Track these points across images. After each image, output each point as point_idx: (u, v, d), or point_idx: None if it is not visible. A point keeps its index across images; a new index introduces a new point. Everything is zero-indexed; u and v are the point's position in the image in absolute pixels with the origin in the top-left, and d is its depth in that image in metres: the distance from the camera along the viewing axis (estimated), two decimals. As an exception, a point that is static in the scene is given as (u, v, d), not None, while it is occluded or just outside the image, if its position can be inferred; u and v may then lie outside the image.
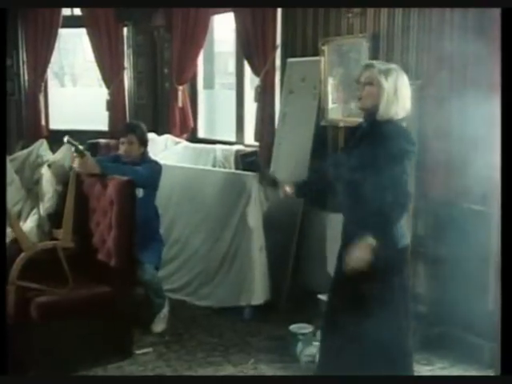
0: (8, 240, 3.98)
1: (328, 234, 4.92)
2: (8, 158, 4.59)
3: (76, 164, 4.29)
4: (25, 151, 4.94)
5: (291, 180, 3.57)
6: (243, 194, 4.79)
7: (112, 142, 6.39)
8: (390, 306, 3.10)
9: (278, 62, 5.58)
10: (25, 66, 7.28)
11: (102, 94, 7.13)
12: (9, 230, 3.95)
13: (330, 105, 5.07)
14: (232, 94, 6.34)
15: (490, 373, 3.79)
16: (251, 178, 4.82)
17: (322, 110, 5.11)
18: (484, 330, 3.90)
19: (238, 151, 5.76)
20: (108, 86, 7.05)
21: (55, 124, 7.44)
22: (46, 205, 4.44)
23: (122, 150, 4.58)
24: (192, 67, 6.53)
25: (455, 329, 4.11)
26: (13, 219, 4.02)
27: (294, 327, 4.20)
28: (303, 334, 4.11)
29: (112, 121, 7.05)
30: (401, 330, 3.16)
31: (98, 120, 7.18)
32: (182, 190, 5.27)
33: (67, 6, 7.07)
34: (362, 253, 2.98)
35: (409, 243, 3.24)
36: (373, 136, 3.09)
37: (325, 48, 5.03)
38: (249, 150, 5.79)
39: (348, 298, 3.16)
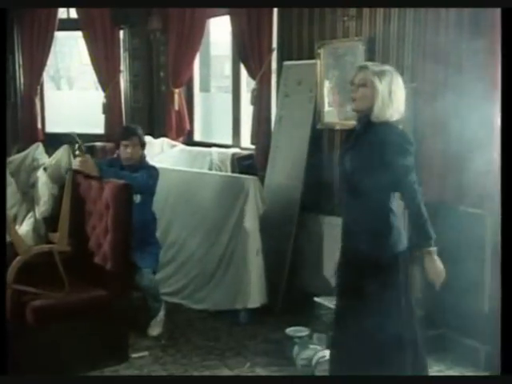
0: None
1: (324, 237, 4.92)
2: (4, 161, 4.58)
3: (77, 162, 4.34)
4: (21, 154, 4.93)
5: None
6: (239, 197, 4.79)
7: (108, 145, 6.40)
8: (395, 305, 3.13)
9: (274, 65, 5.58)
10: (21, 70, 7.28)
11: (98, 97, 7.13)
12: (4, 234, 3.95)
13: (326, 108, 5.07)
14: (228, 97, 6.34)
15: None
16: (248, 181, 4.82)
17: (318, 113, 5.11)
18: (480, 332, 3.91)
19: (234, 154, 5.76)
20: (104, 89, 7.05)
21: (51, 127, 7.44)
22: (42, 208, 4.43)
23: (125, 153, 4.57)
24: (188, 70, 6.53)
25: (451, 332, 4.11)
26: (8, 223, 4.00)
27: (290, 330, 4.20)
28: (299, 337, 4.11)
29: (108, 124, 7.05)
30: (408, 326, 3.17)
31: (94, 123, 7.18)
32: (179, 193, 5.26)
33: (67, 6, 7.05)
34: (437, 264, 3.07)
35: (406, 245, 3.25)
36: (369, 138, 3.09)
37: (321, 51, 5.03)
38: (245, 153, 5.79)
39: (354, 299, 3.16)
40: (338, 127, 4.95)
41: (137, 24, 6.96)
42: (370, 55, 4.60)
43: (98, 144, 6.51)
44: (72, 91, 9.96)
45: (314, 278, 4.94)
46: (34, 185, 4.64)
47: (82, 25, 6.99)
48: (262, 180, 5.14)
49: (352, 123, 3.37)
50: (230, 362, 4.12)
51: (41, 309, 3.78)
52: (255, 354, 4.22)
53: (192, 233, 5.14)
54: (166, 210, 5.24)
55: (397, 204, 3.14)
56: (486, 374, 3.82)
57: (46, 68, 7.37)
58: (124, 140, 4.59)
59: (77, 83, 9.98)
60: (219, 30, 6.73)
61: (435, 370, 3.94)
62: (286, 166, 5.28)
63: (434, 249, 3.04)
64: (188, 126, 6.66)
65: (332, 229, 4.55)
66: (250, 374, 3.95)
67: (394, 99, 3.06)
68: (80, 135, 4.47)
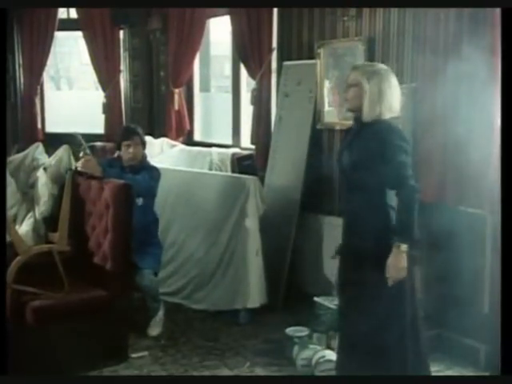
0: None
1: (324, 237, 4.92)
2: (4, 161, 4.59)
3: (80, 163, 4.34)
4: (20, 154, 4.93)
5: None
6: (239, 197, 4.78)
7: (108, 145, 6.41)
8: (398, 302, 3.14)
9: (273, 65, 5.59)
10: (21, 70, 7.28)
11: (98, 97, 7.13)
12: (4, 234, 3.95)
13: (326, 108, 5.08)
14: (228, 97, 6.34)
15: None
16: (248, 181, 4.82)
17: (317, 113, 5.11)
18: (480, 333, 3.91)
19: (234, 154, 5.76)
20: (104, 89, 7.06)
21: (51, 127, 7.45)
22: (42, 208, 4.43)
23: (127, 153, 4.55)
24: (188, 70, 6.53)
25: (451, 332, 4.11)
26: (8, 223, 4.00)
27: (290, 330, 4.19)
28: (299, 337, 4.10)
29: (108, 124, 7.06)
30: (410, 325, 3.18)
31: (94, 123, 7.18)
32: (178, 194, 5.26)
33: (67, 6, 7.05)
34: (402, 261, 3.02)
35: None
36: (362, 136, 3.14)
37: (320, 51, 5.03)
38: (245, 153, 5.79)
39: (355, 297, 3.18)
40: (337, 127, 4.95)
41: (137, 24, 6.96)
42: (370, 55, 4.61)
43: (98, 144, 6.51)
44: (72, 91, 9.97)
45: (314, 278, 4.94)
46: (33, 185, 4.63)
47: (82, 25, 6.99)
48: (261, 180, 5.14)
49: (351, 123, 3.40)
50: (229, 361, 4.12)
51: (40, 309, 3.78)
52: (255, 353, 4.22)
53: (192, 233, 5.14)
54: (166, 210, 5.24)
55: (396, 200, 3.15)
56: (486, 374, 3.82)
57: (46, 68, 7.37)
58: (125, 140, 4.57)
59: (77, 83, 9.99)
60: (219, 29, 6.73)
61: (434, 369, 3.93)
62: (286, 165, 5.28)
63: (404, 246, 3.02)
64: (188, 126, 6.66)
65: (332, 229, 4.55)
66: (249, 374, 3.95)
67: (383, 98, 3.09)
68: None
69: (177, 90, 6.55)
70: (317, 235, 4.99)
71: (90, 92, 8.64)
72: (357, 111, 3.17)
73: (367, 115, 3.11)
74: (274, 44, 5.49)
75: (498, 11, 3.54)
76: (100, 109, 7.06)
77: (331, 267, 4.34)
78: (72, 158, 4.58)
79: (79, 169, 4.37)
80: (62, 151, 4.58)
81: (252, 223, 4.75)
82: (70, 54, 9.53)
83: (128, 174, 4.42)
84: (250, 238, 4.74)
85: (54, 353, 3.77)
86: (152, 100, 7.20)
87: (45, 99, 7.49)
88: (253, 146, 5.69)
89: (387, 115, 3.11)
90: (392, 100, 3.11)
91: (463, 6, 3.79)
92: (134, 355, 4.15)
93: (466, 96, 3.82)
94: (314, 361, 3.89)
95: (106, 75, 7.02)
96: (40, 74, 7.20)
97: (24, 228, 4.46)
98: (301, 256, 5.10)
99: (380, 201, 3.11)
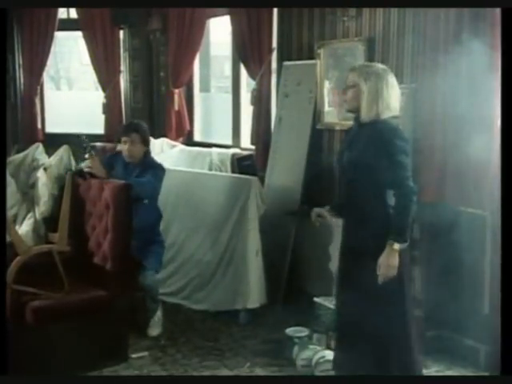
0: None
1: (324, 237, 4.91)
2: (4, 161, 4.58)
3: (85, 164, 4.34)
4: (20, 155, 4.92)
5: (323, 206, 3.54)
6: (239, 197, 4.78)
7: (108, 145, 6.40)
8: (396, 302, 3.17)
9: (273, 66, 5.59)
10: (21, 70, 7.28)
11: (98, 97, 7.13)
12: (4, 234, 3.95)
13: (326, 108, 5.08)
14: (228, 98, 6.34)
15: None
16: (247, 181, 4.82)
17: (317, 114, 5.11)
18: (479, 333, 3.91)
19: (234, 155, 5.76)
20: (104, 90, 7.06)
21: (51, 127, 7.44)
22: (42, 208, 4.43)
23: (124, 149, 4.50)
24: (188, 70, 6.53)
25: (451, 332, 4.11)
26: (8, 223, 4.00)
27: (290, 330, 4.19)
28: (299, 338, 4.10)
29: (108, 124, 7.05)
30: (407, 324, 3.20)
31: (94, 123, 7.18)
32: (178, 194, 5.26)
33: (67, 6, 7.05)
34: (393, 260, 3.04)
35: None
36: (362, 136, 3.15)
37: (320, 51, 5.04)
38: (245, 153, 5.79)
39: (355, 295, 3.18)
40: (337, 127, 4.95)
41: (137, 24, 6.96)
42: (370, 55, 4.61)
43: (98, 144, 6.50)
44: (72, 91, 9.96)
45: (314, 278, 4.94)
46: (33, 185, 4.63)
47: (82, 25, 6.99)
48: (261, 180, 5.14)
49: (351, 123, 3.41)
50: (229, 362, 4.12)
51: (40, 309, 3.78)
52: (255, 354, 4.22)
53: (192, 233, 5.14)
54: (166, 211, 5.22)
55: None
56: (486, 374, 3.82)
57: (46, 68, 7.36)
58: (123, 136, 4.51)
59: (77, 83, 9.98)
60: (219, 30, 6.73)
61: (434, 370, 3.95)
62: (286, 166, 5.28)
63: (397, 245, 3.04)
64: (188, 127, 6.66)
65: (332, 229, 4.55)
66: (249, 374, 3.95)
67: (381, 98, 3.11)
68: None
69: (177, 91, 6.55)
70: (317, 235, 4.98)
71: (89, 92, 8.63)
72: (356, 112, 3.20)
73: (365, 115, 3.14)
74: (274, 44, 5.50)
75: (497, 11, 3.54)
76: (100, 109, 7.06)
77: (331, 267, 4.35)
78: (72, 158, 4.57)
79: (84, 169, 4.35)
80: (62, 151, 4.58)
81: (252, 223, 4.75)
82: (69, 54, 9.52)
83: (132, 176, 4.40)
84: (249, 238, 4.74)
85: (54, 353, 3.77)
86: (152, 100, 7.20)
87: (45, 99, 7.48)
88: (253, 147, 5.69)
89: (386, 115, 3.13)
90: (390, 99, 3.13)
91: (463, 6, 3.79)
92: (133, 355, 4.15)
93: (466, 96, 3.82)
94: (313, 361, 3.89)
95: (106, 75, 7.02)
96: (40, 74, 7.20)
97: (24, 228, 4.45)
98: (301, 256, 5.10)
99: (380, 201, 3.12)
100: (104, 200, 4.09)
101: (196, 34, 6.24)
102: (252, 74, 5.61)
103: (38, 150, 4.87)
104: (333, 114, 5.03)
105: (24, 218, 4.59)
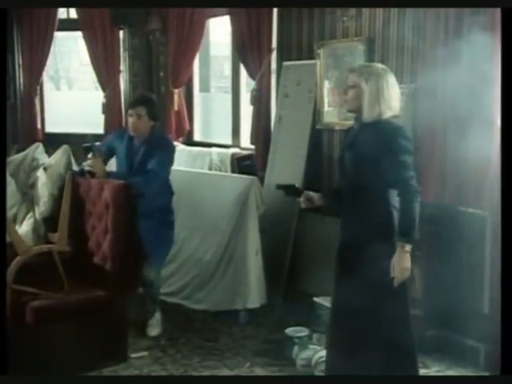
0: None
1: (324, 237, 4.92)
2: (3, 161, 4.58)
3: (88, 163, 4.30)
4: (20, 154, 4.92)
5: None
6: (239, 197, 4.78)
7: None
8: (395, 302, 3.16)
9: (273, 66, 5.59)
10: (20, 70, 7.27)
11: (98, 97, 7.13)
12: (4, 234, 3.94)
13: (326, 108, 5.08)
14: (228, 98, 6.34)
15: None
16: (247, 181, 4.82)
17: (317, 114, 5.11)
18: (479, 332, 3.91)
19: (233, 154, 5.76)
20: (104, 90, 7.06)
21: (51, 127, 7.44)
22: (42, 208, 4.43)
23: (129, 123, 4.36)
24: (188, 70, 6.53)
25: (451, 332, 4.11)
26: (8, 223, 4.00)
27: (289, 330, 4.19)
28: (299, 338, 4.10)
29: (108, 124, 7.05)
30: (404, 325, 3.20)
31: (94, 123, 7.18)
32: (178, 194, 5.23)
33: (67, 6, 7.05)
34: (406, 262, 3.05)
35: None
36: (364, 136, 3.14)
37: (320, 51, 5.04)
38: (245, 153, 5.80)
39: (352, 298, 3.17)
40: (337, 127, 4.95)
41: (136, 24, 6.96)
42: (370, 55, 4.61)
43: (98, 144, 6.49)
44: (72, 91, 9.98)
45: (314, 278, 4.94)
46: (33, 185, 4.63)
47: (82, 25, 6.99)
48: (261, 180, 5.15)
49: (351, 123, 3.41)
50: (229, 362, 4.11)
51: (40, 309, 3.78)
52: (255, 354, 4.22)
53: (191, 233, 5.14)
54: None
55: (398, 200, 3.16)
56: (486, 374, 3.82)
57: (46, 68, 7.36)
58: (130, 109, 4.38)
59: (76, 83, 10.00)
60: (219, 30, 6.74)
61: (434, 369, 3.95)
62: (286, 166, 5.28)
63: (408, 246, 3.05)
64: (188, 126, 6.66)
65: (332, 229, 4.55)
66: (249, 374, 3.94)
67: (382, 98, 3.11)
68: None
69: (176, 91, 6.55)
70: (317, 235, 4.99)
71: (89, 92, 8.65)
72: (357, 112, 3.20)
73: (367, 115, 3.14)
74: (274, 44, 5.50)
75: (497, 11, 3.55)
76: (100, 109, 7.06)
77: (331, 268, 4.35)
78: (72, 158, 4.57)
79: (86, 168, 4.33)
80: (62, 151, 4.57)
81: (252, 223, 4.75)
82: (69, 54, 9.54)
83: (138, 157, 4.33)
84: (249, 237, 4.74)
85: (54, 353, 3.78)
86: (152, 100, 7.19)
87: (44, 99, 7.49)
88: (252, 146, 5.69)
89: (387, 114, 3.13)
90: (391, 99, 3.14)
91: (463, 6, 3.79)
92: (133, 355, 4.15)
93: (465, 96, 3.82)
94: (313, 361, 3.89)
95: (106, 75, 7.02)
96: (40, 74, 7.20)
97: (24, 228, 4.45)
98: (300, 256, 5.10)
99: (382, 200, 3.12)
100: (104, 200, 4.09)
101: (196, 34, 6.24)
102: (252, 74, 5.61)
103: (37, 150, 4.86)
104: (332, 114, 5.03)
105: (24, 218, 4.58)
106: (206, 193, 5.07)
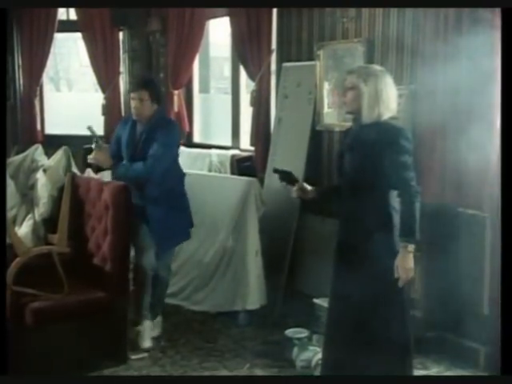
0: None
1: (324, 238, 4.92)
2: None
3: (92, 155, 4.23)
4: (20, 156, 4.93)
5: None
6: (239, 198, 4.78)
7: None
8: (395, 304, 3.17)
9: (273, 67, 5.59)
10: (20, 71, 7.27)
11: (98, 98, 7.13)
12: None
13: (326, 109, 5.08)
14: (227, 99, 6.34)
15: (486, 377, 3.79)
16: (247, 182, 4.82)
17: (317, 115, 5.11)
18: (479, 334, 3.91)
19: (233, 156, 5.76)
20: (104, 91, 7.06)
21: (51, 129, 7.44)
22: (41, 210, 4.43)
23: (132, 106, 4.24)
24: (187, 72, 6.53)
25: (450, 333, 4.11)
26: (8, 224, 4.00)
27: (289, 332, 4.19)
28: (299, 339, 4.10)
29: (108, 125, 7.05)
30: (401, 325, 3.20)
31: (94, 125, 7.14)
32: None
33: (67, 6, 7.05)
34: (410, 262, 3.06)
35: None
36: (364, 138, 3.16)
37: (320, 53, 5.04)
38: (244, 154, 5.80)
39: (350, 298, 3.19)
40: (337, 129, 4.95)
41: (136, 25, 6.95)
42: (369, 57, 4.61)
43: (90, 160, 6.49)
44: (71, 93, 9.97)
45: (314, 280, 4.94)
46: (33, 186, 4.63)
47: (82, 26, 6.99)
48: (261, 181, 5.14)
49: (350, 124, 3.42)
50: (229, 363, 4.11)
51: (40, 310, 3.77)
52: (254, 355, 4.22)
53: (191, 234, 5.13)
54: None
55: (398, 201, 3.16)
56: (485, 374, 3.83)
57: (46, 69, 7.36)
58: (132, 92, 4.26)
59: (76, 85, 9.99)
60: (219, 31, 6.73)
61: (434, 371, 3.95)
62: (286, 167, 5.25)
63: (411, 246, 3.06)
64: (187, 128, 6.65)
65: (332, 230, 4.54)
66: (248, 375, 3.94)
67: (381, 99, 3.13)
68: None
69: (176, 92, 6.55)
70: (316, 237, 4.99)
71: (89, 93, 8.64)
72: (356, 113, 3.21)
73: (367, 117, 3.15)
74: (274, 45, 5.50)
75: (497, 11, 3.55)
76: (99, 110, 7.06)
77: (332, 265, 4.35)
78: (72, 159, 4.57)
79: (89, 161, 4.29)
80: (62, 153, 4.58)
81: (251, 224, 4.75)
82: (69, 55, 9.53)
83: (141, 139, 4.22)
84: (249, 239, 4.74)
85: (54, 354, 3.77)
86: (151, 101, 7.18)
87: (44, 101, 7.48)
88: (252, 148, 5.69)
89: (386, 115, 3.15)
90: (389, 100, 3.16)
91: (463, 6, 3.79)
92: (133, 356, 4.14)
93: (465, 96, 3.82)
94: (313, 362, 3.89)
95: (106, 77, 7.02)
96: (39, 76, 7.20)
97: (23, 229, 4.45)
98: (300, 257, 5.10)
99: (383, 202, 3.12)
100: (103, 201, 4.09)
101: (195, 35, 6.24)
102: (251, 75, 5.61)
103: (37, 152, 4.87)
104: (332, 115, 5.03)
105: (23, 220, 4.59)
106: (205, 194, 5.07)
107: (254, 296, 4.71)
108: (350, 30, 4.82)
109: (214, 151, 5.95)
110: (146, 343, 4.28)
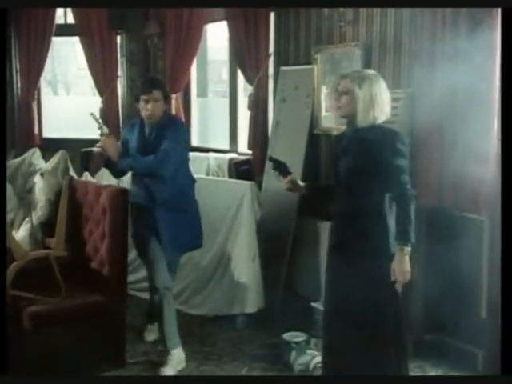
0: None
1: (322, 242, 4.91)
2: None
3: (100, 144, 4.15)
4: (17, 160, 4.93)
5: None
6: (236, 202, 4.78)
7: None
8: (389, 308, 3.18)
9: (271, 70, 5.60)
10: (18, 75, 7.26)
11: (96, 102, 7.12)
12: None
13: (323, 113, 5.08)
14: (225, 102, 6.34)
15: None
16: (245, 186, 4.82)
17: (314, 119, 5.11)
18: (477, 337, 3.91)
19: (231, 159, 5.76)
20: (101, 94, 7.05)
21: (48, 132, 7.43)
22: (39, 213, 4.43)
23: (145, 109, 4.08)
24: (185, 75, 6.53)
25: (448, 337, 4.11)
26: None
27: (287, 335, 4.19)
28: (297, 343, 4.10)
29: (105, 129, 7.04)
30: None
31: (92, 128, 7.15)
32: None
33: (67, 6, 7.04)
34: (406, 264, 3.08)
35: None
36: (359, 141, 3.17)
37: (318, 56, 5.04)
38: (242, 158, 5.79)
39: (344, 300, 3.20)
40: (335, 132, 4.91)
41: (134, 29, 6.95)
42: (367, 60, 4.61)
43: (96, 149, 6.49)
44: (69, 96, 9.98)
45: (311, 283, 4.93)
46: (30, 190, 4.63)
47: (79, 30, 6.98)
48: (259, 185, 5.14)
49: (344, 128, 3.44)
50: (227, 366, 4.11)
51: (37, 314, 3.77)
52: (252, 359, 4.22)
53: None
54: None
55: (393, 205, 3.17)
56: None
57: (43, 73, 7.36)
58: (144, 94, 4.07)
59: (74, 88, 10.00)
60: (216, 35, 6.74)
61: (432, 374, 3.94)
62: (283, 170, 5.27)
63: (407, 249, 3.08)
64: (185, 131, 6.64)
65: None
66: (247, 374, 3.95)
67: (376, 103, 3.15)
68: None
69: (174, 95, 6.54)
70: (314, 240, 4.98)
71: (87, 97, 8.65)
72: (350, 117, 3.22)
73: (362, 121, 3.17)
74: (271, 49, 5.50)
75: (497, 11, 3.55)
76: (97, 114, 7.04)
77: (325, 268, 4.34)
78: (69, 163, 4.57)
79: (95, 150, 4.24)
80: (59, 156, 4.58)
81: (249, 228, 4.75)
82: (67, 59, 9.54)
83: (150, 140, 4.10)
84: (247, 242, 4.74)
85: (51, 358, 3.76)
86: (149, 105, 7.18)
87: (42, 104, 7.47)
88: (250, 151, 5.69)
89: (381, 119, 3.17)
90: (384, 104, 3.19)
91: (463, 6, 3.79)
92: (131, 360, 4.14)
93: (463, 99, 3.83)
94: (311, 366, 3.89)
95: (104, 80, 7.02)
96: (37, 79, 7.19)
97: (21, 233, 4.46)
98: (298, 261, 5.10)
99: (378, 206, 3.13)
100: (101, 205, 4.09)
101: (193, 38, 6.24)
102: (249, 79, 5.61)
103: (34, 155, 4.88)
104: (330, 119, 5.03)
105: (21, 223, 4.59)
106: (203, 198, 5.04)
107: (251, 299, 4.71)
108: (348, 34, 4.83)
109: (211, 155, 5.95)
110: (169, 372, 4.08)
